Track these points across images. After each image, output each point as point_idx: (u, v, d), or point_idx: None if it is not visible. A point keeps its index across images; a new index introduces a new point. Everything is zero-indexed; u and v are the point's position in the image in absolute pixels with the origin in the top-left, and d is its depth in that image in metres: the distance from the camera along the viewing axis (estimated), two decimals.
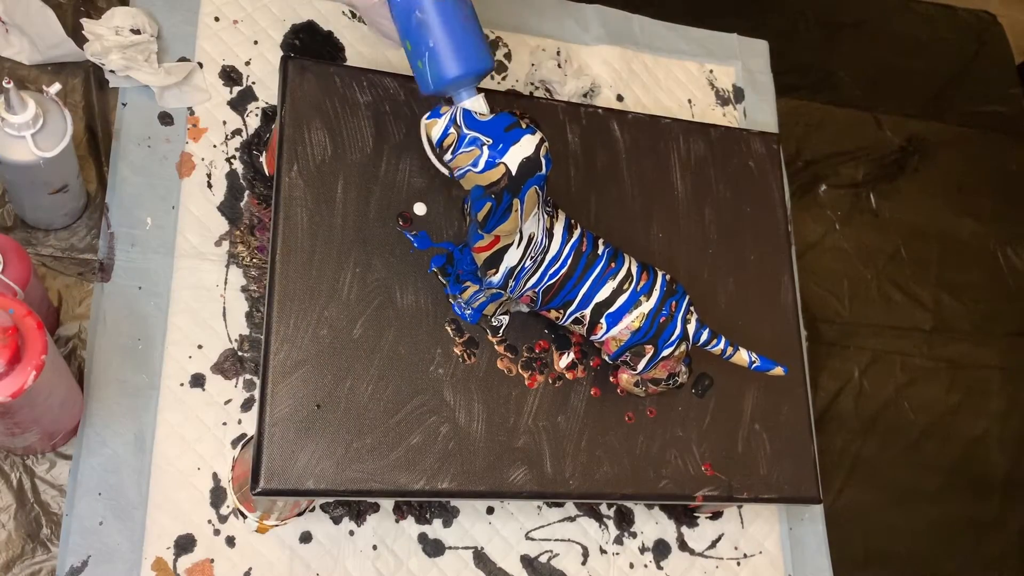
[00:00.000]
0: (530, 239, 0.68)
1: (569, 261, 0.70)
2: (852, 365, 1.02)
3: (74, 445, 0.73)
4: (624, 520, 0.84)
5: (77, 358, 0.75)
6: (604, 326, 0.72)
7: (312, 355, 0.69)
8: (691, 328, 0.72)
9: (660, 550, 0.85)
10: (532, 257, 0.69)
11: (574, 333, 0.77)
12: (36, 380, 0.58)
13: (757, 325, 0.83)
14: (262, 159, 0.84)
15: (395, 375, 0.71)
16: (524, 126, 0.65)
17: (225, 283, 0.80)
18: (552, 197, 0.71)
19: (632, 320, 0.71)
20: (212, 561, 0.73)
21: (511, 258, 0.68)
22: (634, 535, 0.84)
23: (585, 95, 0.97)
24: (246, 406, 0.77)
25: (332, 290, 0.71)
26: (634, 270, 0.72)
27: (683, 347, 0.73)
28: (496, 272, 0.69)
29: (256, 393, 0.76)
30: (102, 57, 0.81)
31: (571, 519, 0.83)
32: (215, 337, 0.78)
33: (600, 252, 0.71)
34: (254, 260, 0.81)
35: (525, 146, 0.63)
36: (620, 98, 0.99)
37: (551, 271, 0.69)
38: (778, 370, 0.76)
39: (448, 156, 0.65)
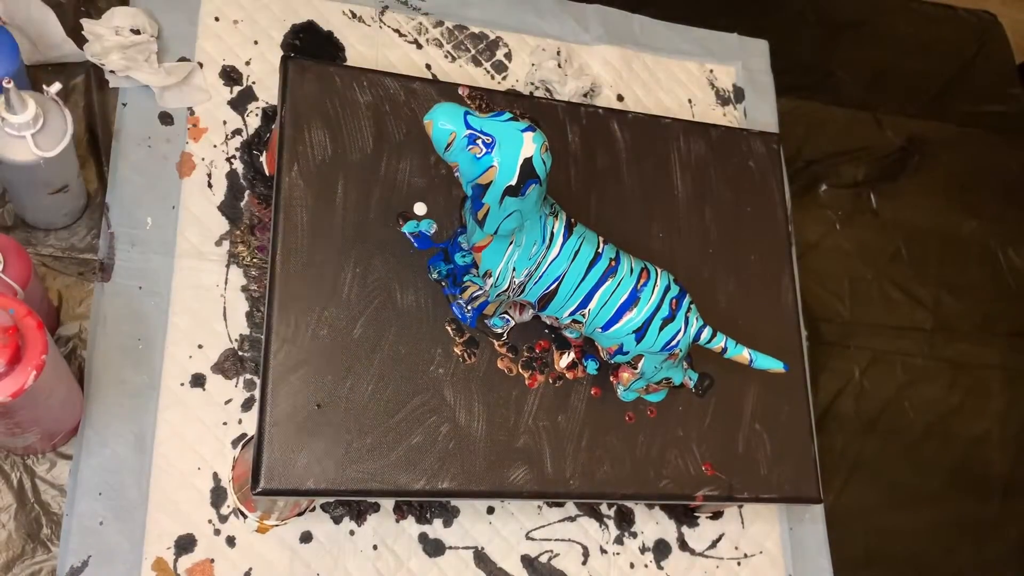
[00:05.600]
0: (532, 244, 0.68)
1: (568, 261, 0.70)
2: (852, 365, 1.02)
3: (74, 445, 0.73)
4: (624, 520, 0.84)
5: (77, 358, 0.75)
6: (604, 326, 0.71)
7: (312, 355, 0.69)
8: (692, 326, 0.72)
9: (660, 550, 0.85)
10: (529, 272, 0.69)
11: None
12: (36, 380, 0.58)
13: (757, 325, 0.83)
14: (262, 159, 0.84)
15: (395, 375, 0.71)
16: (524, 125, 0.65)
17: (225, 283, 0.80)
18: (552, 197, 0.71)
19: (632, 319, 0.71)
20: (212, 561, 0.73)
21: (504, 266, 0.68)
22: (634, 535, 0.84)
23: (585, 95, 0.97)
24: (246, 406, 0.77)
25: (332, 290, 0.71)
26: (634, 269, 0.72)
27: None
28: (494, 272, 0.69)
29: (256, 393, 0.76)
30: (102, 57, 0.81)
31: (571, 519, 0.83)
32: (215, 337, 0.78)
33: (600, 251, 0.71)
34: (254, 260, 0.81)
35: (525, 145, 0.63)
36: (620, 98, 0.99)
37: (550, 272, 0.69)
38: (778, 367, 0.76)
39: (448, 155, 0.65)
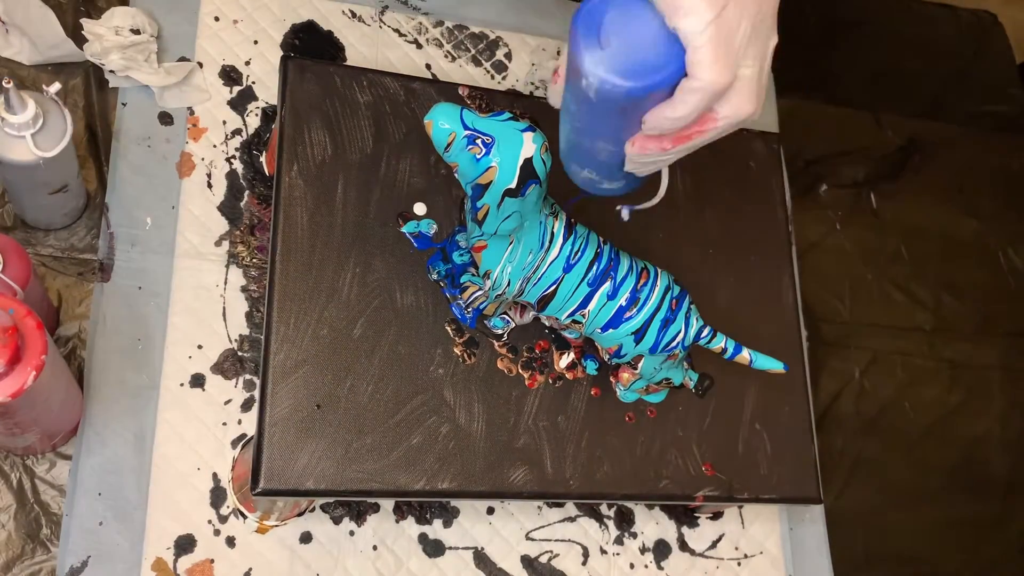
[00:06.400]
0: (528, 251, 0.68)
1: (568, 262, 0.70)
2: (852, 365, 1.02)
3: (74, 445, 0.73)
4: (624, 520, 0.84)
5: (77, 358, 0.75)
6: (604, 327, 0.71)
7: (312, 355, 0.69)
8: (692, 327, 0.72)
9: (660, 550, 0.85)
10: (525, 272, 0.69)
11: None
12: (36, 380, 0.58)
13: (757, 325, 0.83)
14: (262, 159, 0.84)
15: (395, 375, 0.71)
16: (524, 125, 0.64)
17: (225, 283, 0.80)
18: (552, 197, 0.71)
19: (632, 319, 0.71)
20: (212, 561, 0.73)
21: (504, 267, 0.68)
22: (634, 535, 0.84)
23: None
24: (246, 406, 0.77)
25: (332, 290, 0.71)
26: (634, 269, 0.72)
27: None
28: (493, 272, 0.69)
29: (256, 393, 0.76)
30: (102, 57, 0.81)
31: (571, 519, 0.83)
32: (215, 337, 0.78)
33: (600, 251, 0.71)
34: (254, 260, 0.81)
35: (525, 145, 0.63)
36: None
37: (550, 273, 0.69)
38: (778, 368, 0.76)
39: (447, 155, 0.65)
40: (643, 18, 0.49)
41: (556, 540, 0.82)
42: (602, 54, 0.50)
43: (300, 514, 0.76)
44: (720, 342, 0.74)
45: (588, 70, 0.50)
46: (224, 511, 0.74)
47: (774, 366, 0.76)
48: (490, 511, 0.81)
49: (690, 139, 0.53)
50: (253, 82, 0.86)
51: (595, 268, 0.70)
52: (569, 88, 0.54)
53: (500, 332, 0.75)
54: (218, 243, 0.81)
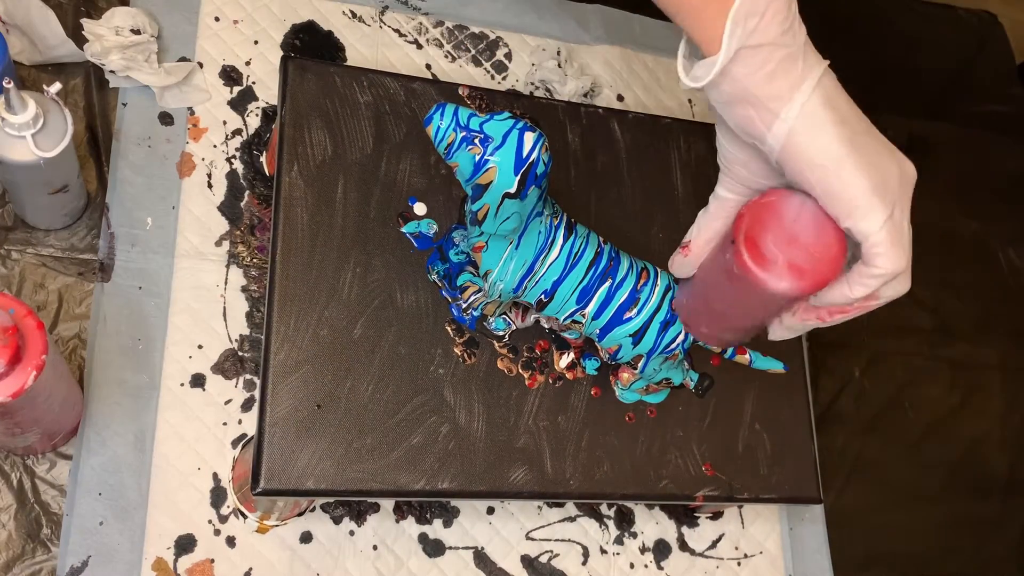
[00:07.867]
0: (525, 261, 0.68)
1: (568, 262, 0.70)
2: (852, 365, 1.02)
3: (74, 445, 0.73)
4: (624, 520, 0.84)
5: (77, 358, 0.75)
6: (603, 327, 0.71)
7: (312, 355, 0.69)
8: None
9: (660, 550, 0.85)
10: (524, 271, 0.69)
11: None
12: (36, 380, 0.58)
13: None
14: (262, 159, 0.84)
15: (395, 375, 0.71)
16: (523, 124, 0.64)
17: (225, 283, 0.80)
18: (552, 197, 0.71)
19: (632, 319, 0.71)
20: (212, 561, 0.73)
21: (502, 270, 0.68)
22: (634, 535, 0.84)
23: (585, 95, 0.97)
24: (246, 406, 0.77)
25: (332, 290, 0.71)
26: (634, 269, 0.72)
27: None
28: (493, 272, 0.69)
29: (256, 393, 0.76)
30: (102, 57, 0.81)
31: (571, 519, 0.83)
32: (215, 337, 0.78)
33: (600, 251, 0.71)
34: (254, 260, 0.81)
35: (525, 145, 0.63)
36: (620, 98, 0.99)
37: (549, 273, 0.69)
38: (778, 368, 0.76)
39: (447, 155, 0.65)
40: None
41: (556, 540, 0.82)
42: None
43: (300, 514, 0.76)
44: None
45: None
46: (224, 511, 0.74)
47: (774, 366, 0.76)
48: (490, 511, 0.81)
49: (850, 312, 0.58)
50: (253, 82, 0.86)
51: (595, 268, 0.70)
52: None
53: (501, 333, 0.75)
54: (218, 243, 0.81)
